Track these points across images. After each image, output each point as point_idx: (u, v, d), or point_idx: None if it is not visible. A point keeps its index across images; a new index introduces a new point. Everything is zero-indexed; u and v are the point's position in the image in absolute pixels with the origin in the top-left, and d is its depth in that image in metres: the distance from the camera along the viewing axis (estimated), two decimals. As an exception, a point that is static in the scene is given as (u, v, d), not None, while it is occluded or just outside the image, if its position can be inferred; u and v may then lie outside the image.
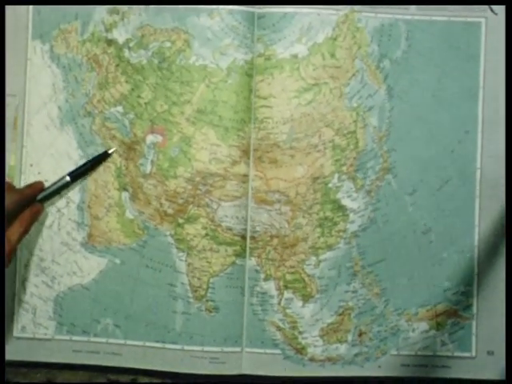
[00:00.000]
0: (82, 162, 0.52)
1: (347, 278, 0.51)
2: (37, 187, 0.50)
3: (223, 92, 0.51)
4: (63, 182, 0.51)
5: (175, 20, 0.51)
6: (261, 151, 0.51)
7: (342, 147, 0.51)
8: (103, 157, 0.51)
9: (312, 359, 0.51)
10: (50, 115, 0.52)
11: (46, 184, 0.51)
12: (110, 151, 0.51)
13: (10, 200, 0.46)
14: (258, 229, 0.51)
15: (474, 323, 0.51)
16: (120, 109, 0.52)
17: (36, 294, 0.52)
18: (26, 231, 0.48)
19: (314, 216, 0.51)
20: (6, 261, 0.45)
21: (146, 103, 0.51)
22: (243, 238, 0.51)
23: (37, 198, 0.50)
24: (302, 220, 0.51)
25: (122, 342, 0.51)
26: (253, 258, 0.51)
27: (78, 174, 0.51)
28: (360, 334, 0.51)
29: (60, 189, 0.51)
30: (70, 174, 0.51)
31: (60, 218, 0.52)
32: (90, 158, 0.51)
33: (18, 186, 0.51)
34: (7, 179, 0.51)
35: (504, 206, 0.51)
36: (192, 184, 0.51)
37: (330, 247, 0.51)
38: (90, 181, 0.52)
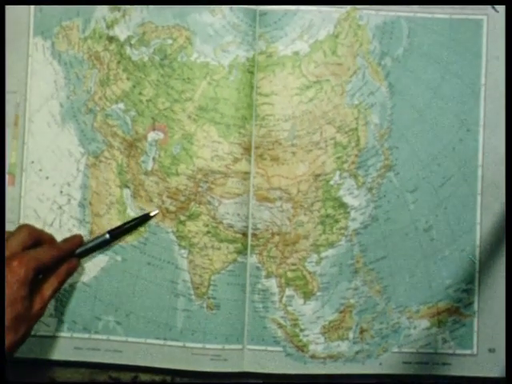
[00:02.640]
0: (83, 159, 0.52)
1: (349, 275, 0.51)
2: (75, 242, 0.50)
3: (225, 89, 0.51)
4: (103, 239, 0.50)
5: (177, 17, 0.51)
6: (262, 148, 0.51)
7: (343, 145, 0.51)
8: (145, 218, 0.51)
9: (313, 356, 0.51)
10: (51, 112, 0.52)
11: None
12: (152, 213, 0.51)
13: (49, 256, 0.45)
14: (259, 226, 0.51)
15: (475, 321, 0.51)
16: (121, 106, 0.52)
17: (37, 292, 0.52)
18: (60, 286, 0.47)
19: (315, 213, 0.51)
20: (39, 313, 0.44)
21: (147, 100, 0.51)
22: (244, 235, 0.51)
23: (75, 252, 0.49)
24: (304, 217, 0.51)
25: (123, 339, 0.51)
26: (254, 256, 0.51)
27: (118, 233, 0.51)
28: (361, 332, 0.51)
29: (99, 246, 0.50)
30: (109, 232, 0.50)
31: (61, 215, 0.52)
32: (133, 219, 0.51)
33: (19, 184, 0.51)
34: (8, 176, 0.51)
35: (505, 203, 0.51)
36: (193, 181, 0.51)
37: (331, 244, 0.51)
38: (91, 178, 0.52)
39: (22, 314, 0.42)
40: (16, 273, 0.42)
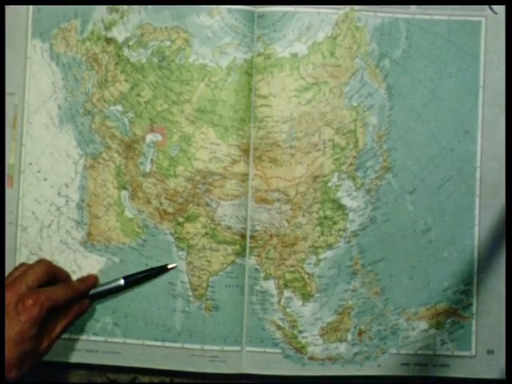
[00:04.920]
0: (81, 161, 0.52)
1: (347, 277, 0.51)
2: (90, 283, 0.50)
3: (223, 91, 0.51)
4: (117, 284, 0.50)
5: (175, 19, 0.51)
6: (260, 150, 0.51)
7: (341, 146, 0.51)
8: (162, 270, 0.51)
9: (312, 358, 0.51)
10: (49, 114, 0.52)
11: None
12: (169, 266, 0.51)
13: (63, 296, 0.45)
14: (257, 228, 0.51)
15: (473, 322, 0.51)
16: (119, 107, 0.52)
17: (35, 293, 0.51)
18: (69, 326, 0.47)
19: (313, 215, 0.51)
20: (45, 351, 0.44)
21: (145, 102, 0.51)
22: (243, 237, 0.51)
23: (89, 293, 0.49)
24: (302, 219, 0.51)
25: (121, 340, 0.51)
26: (252, 257, 0.51)
27: (133, 280, 0.50)
28: (360, 333, 0.51)
29: (112, 290, 0.50)
30: (124, 278, 0.50)
31: (59, 217, 0.52)
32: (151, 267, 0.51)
33: (17, 185, 0.51)
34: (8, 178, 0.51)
35: (504, 205, 0.51)
36: (192, 183, 0.51)
37: (329, 246, 0.51)
38: (89, 179, 0.52)
39: (29, 352, 0.42)
40: (29, 311, 0.42)
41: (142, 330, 0.51)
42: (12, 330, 0.41)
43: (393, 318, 0.51)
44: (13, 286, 0.44)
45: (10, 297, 0.43)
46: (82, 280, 0.50)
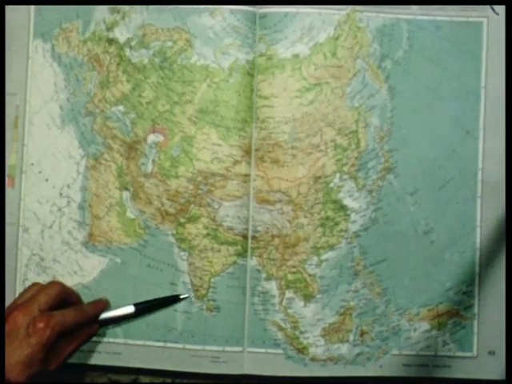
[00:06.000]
0: (83, 161, 0.52)
1: (349, 277, 0.51)
2: (100, 307, 0.49)
3: (225, 92, 0.51)
4: (127, 311, 0.50)
5: (177, 19, 0.51)
6: (262, 151, 0.51)
7: (343, 147, 0.51)
8: (173, 300, 0.51)
9: (313, 359, 0.51)
10: (51, 114, 0.52)
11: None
12: (181, 296, 0.51)
13: (74, 320, 0.45)
14: (259, 228, 0.51)
15: (475, 323, 0.51)
16: (121, 108, 0.52)
17: (37, 294, 0.51)
18: (77, 349, 0.46)
19: (315, 216, 0.51)
20: (51, 371, 0.44)
21: (147, 103, 0.51)
22: (245, 237, 0.51)
23: (99, 318, 0.49)
24: (304, 220, 0.51)
25: (122, 341, 0.51)
26: (254, 258, 0.51)
27: (143, 308, 0.50)
28: (361, 334, 0.51)
29: (122, 318, 0.50)
30: (135, 305, 0.50)
31: (61, 218, 0.52)
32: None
33: (18, 186, 0.51)
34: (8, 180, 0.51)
35: (505, 205, 0.51)
36: (193, 184, 0.51)
37: (331, 247, 0.51)
38: (91, 180, 0.52)
39: (35, 375, 0.42)
40: (40, 334, 0.42)
41: (144, 330, 0.51)
42: (22, 352, 0.41)
43: (394, 318, 0.51)
44: (25, 307, 0.43)
45: (21, 318, 0.42)
46: (92, 304, 0.49)
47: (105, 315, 0.49)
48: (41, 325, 0.42)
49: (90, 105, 0.52)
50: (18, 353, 0.41)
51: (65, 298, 0.47)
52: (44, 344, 0.42)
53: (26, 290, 0.46)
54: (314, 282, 0.51)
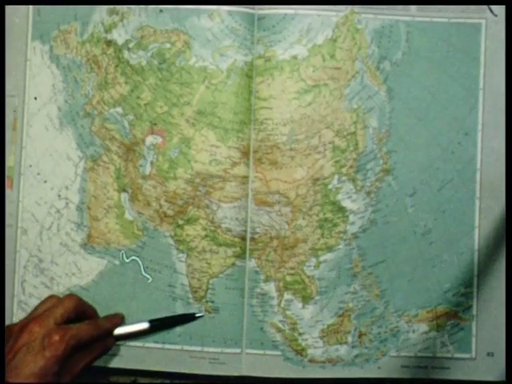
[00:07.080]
0: (81, 163, 0.52)
1: (347, 279, 0.51)
2: (116, 321, 0.49)
3: (223, 93, 0.51)
4: (142, 327, 0.50)
5: (175, 21, 0.51)
6: (261, 152, 0.51)
7: (341, 148, 0.51)
8: (189, 318, 0.51)
9: (312, 360, 0.51)
10: (49, 116, 0.52)
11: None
12: (197, 315, 0.51)
13: (89, 334, 0.45)
14: (257, 230, 0.51)
15: (473, 324, 0.51)
16: (119, 110, 0.52)
17: (35, 295, 0.51)
18: (91, 363, 0.46)
19: (313, 217, 0.51)
20: (67, 382, 0.43)
21: (145, 104, 0.51)
22: (243, 239, 0.51)
23: (113, 333, 0.49)
24: (302, 221, 0.51)
25: (121, 342, 0.51)
26: (253, 260, 0.51)
27: (159, 325, 0.50)
28: (360, 336, 0.51)
29: (137, 333, 0.50)
30: (151, 321, 0.50)
31: (59, 219, 0.52)
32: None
33: (17, 187, 0.51)
34: (7, 181, 0.51)
35: (504, 207, 0.51)
36: (192, 185, 0.51)
37: (330, 248, 0.51)
38: (89, 182, 0.52)
39: None
40: (55, 348, 0.42)
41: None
42: (36, 364, 0.41)
43: (393, 320, 0.51)
44: (41, 319, 0.43)
45: (37, 331, 0.42)
46: (108, 318, 0.49)
47: (120, 330, 0.49)
48: (56, 338, 0.42)
49: (88, 106, 0.52)
50: (33, 365, 0.41)
51: (81, 311, 0.47)
52: (59, 357, 0.42)
53: (42, 302, 0.46)
54: (313, 283, 0.51)
